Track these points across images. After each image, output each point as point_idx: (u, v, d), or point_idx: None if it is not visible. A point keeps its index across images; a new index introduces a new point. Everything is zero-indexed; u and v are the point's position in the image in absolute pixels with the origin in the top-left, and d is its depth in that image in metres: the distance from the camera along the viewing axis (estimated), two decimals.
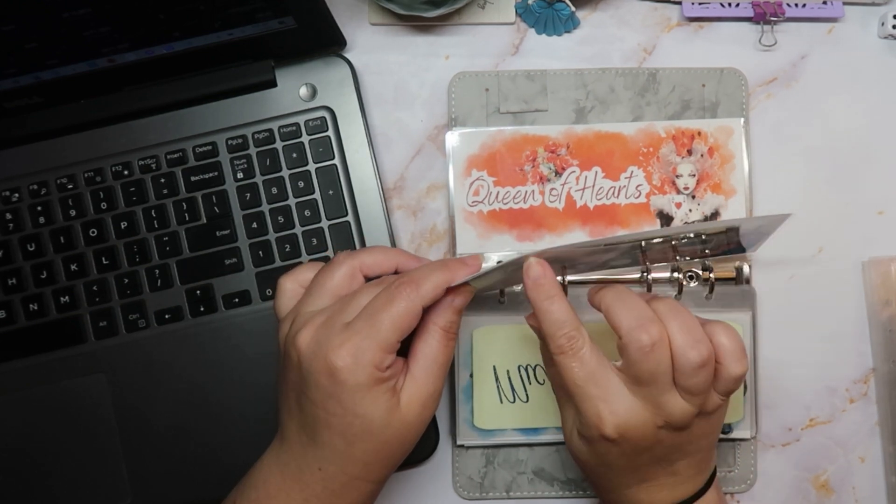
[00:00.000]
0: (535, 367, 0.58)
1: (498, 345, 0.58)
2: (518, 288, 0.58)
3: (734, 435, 0.58)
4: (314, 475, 0.46)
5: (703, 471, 0.50)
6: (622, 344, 0.45)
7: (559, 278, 0.56)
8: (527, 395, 0.58)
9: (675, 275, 0.56)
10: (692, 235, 0.48)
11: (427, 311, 0.45)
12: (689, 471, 0.49)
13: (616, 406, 0.45)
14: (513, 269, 0.48)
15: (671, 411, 0.45)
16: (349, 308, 0.45)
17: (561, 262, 0.50)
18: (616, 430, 0.45)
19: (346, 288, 0.47)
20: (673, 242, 0.51)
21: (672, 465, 0.48)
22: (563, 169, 0.60)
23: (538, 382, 0.58)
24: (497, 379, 0.58)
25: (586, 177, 0.60)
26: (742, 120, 0.60)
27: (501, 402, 0.58)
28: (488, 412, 0.58)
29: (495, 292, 0.58)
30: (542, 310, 0.46)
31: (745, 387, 0.58)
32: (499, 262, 0.53)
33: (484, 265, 0.47)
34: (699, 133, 0.60)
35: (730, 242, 0.53)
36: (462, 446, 0.59)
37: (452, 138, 0.60)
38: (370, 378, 0.44)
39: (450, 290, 0.46)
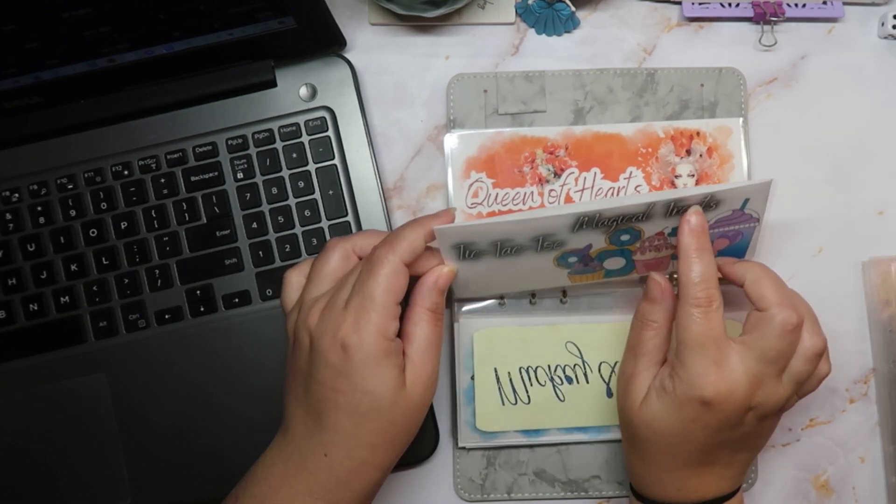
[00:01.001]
0: (536, 368, 0.58)
1: (499, 347, 0.58)
2: (517, 293, 0.58)
3: None
4: (319, 462, 0.46)
5: (745, 472, 0.52)
6: (765, 316, 0.47)
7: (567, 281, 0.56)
8: (528, 397, 0.58)
9: (675, 274, 0.56)
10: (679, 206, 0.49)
11: (412, 296, 0.48)
12: (740, 467, 0.50)
13: (726, 372, 0.46)
14: (494, 231, 0.48)
15: (769, 395, 0.47)
16: (346, 286, 0.47)
17: (544, 236, 0.50)
18: (717, 396, 0.46)
19: (343, 270, 0.49)
20: (666, 235, 0.51)
21: (734, 456, 0.50)
22: (562, 170, 0.60)
23: (539, 384, 0.58)
24: (498, 381, 0.58)
25: (585, 178, 0.59)
26: (741, 120, 0.60)
27: (503, 403, 0.58)
28: (490, 414, 0.58)
29: (496, 295, 0.58)
30: (693, 259, 0.48)
31: None
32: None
33: (474, 221, 0.48)
34: (698, 133, 0.60)
35: (726, 234, 0.53)
36: (464, 448, 0.59)
37: (451, 140, 0.60)
38: (378, 349, 0.45)
39: (432, 273, 0.48)
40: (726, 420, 0.47)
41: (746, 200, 0.50)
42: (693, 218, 0.48)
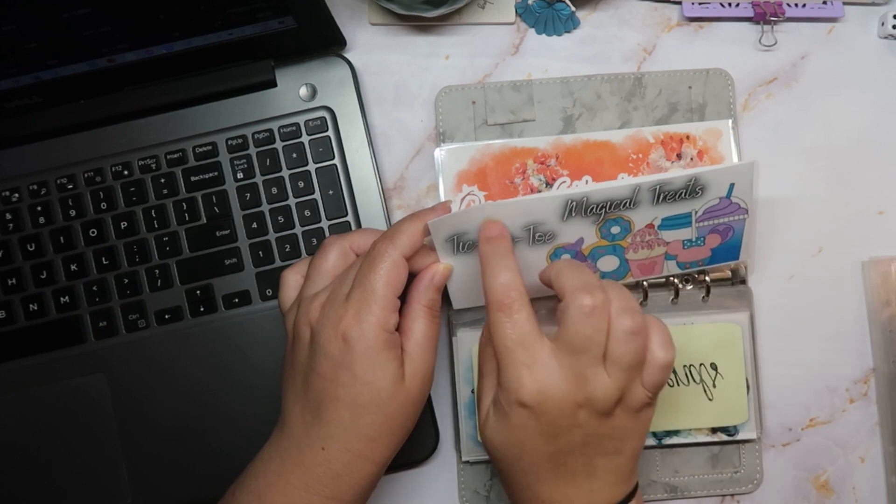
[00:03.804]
0: None
1: None
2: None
3: (740, 436, 0.58)
4: (316, 456, 0.46)
5: (622, 481, 0.48)
6: (563, 306, 0.45)
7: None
8: None
9: (672, 279, 0.56)
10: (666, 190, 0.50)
11: (409, 293, 0.48)
12: (607, 476, 0.47)
13: (539, 374, 0.44)
14: (485, 216, 0.49)
15: (594, 388, 0.44)
16: (346, 281, 0.47)
17: (535, 224, 0.50)
18: (534, 397, 0.44)
19: (341, 267, 0.49)
20: (656, 228, 0.51)
21: (591, 461, 0.46)
22: (554, 179, 0.60)
23: None
24: None
25: (577, 186, 0.59)
26: (730, 121, 0.60)
27: None
28: None
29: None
30: (492, 265, 0.46)
31: (749, 387, 0.58)
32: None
33: (464, 209, 0.48)
34: (688, 137, 0.60)
35: (717, 228, 0.53)
36: (467, 462, 0.59)
37: (440, 155, 0.60)
38: (378, 340, 0.45)
39: (428, 270, 0.49)
40: (555, 422, 0.45)
41: (732, 186, 0.51)
42: (489, 227, 0.47)
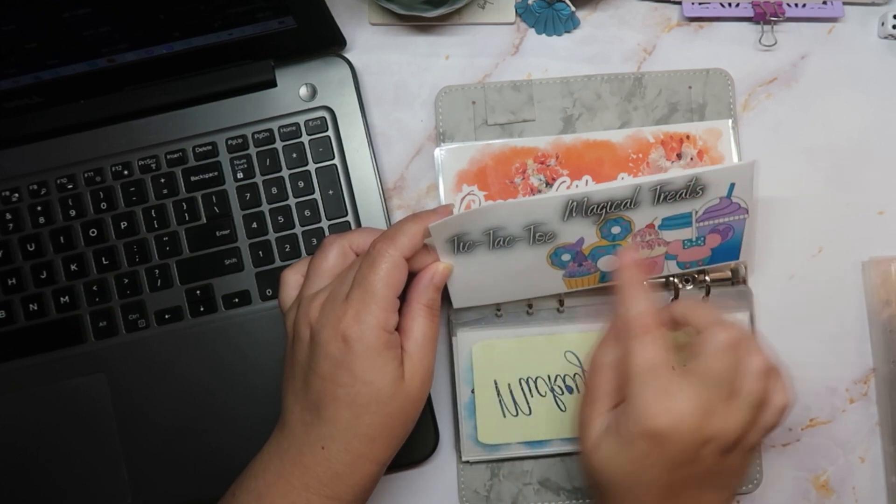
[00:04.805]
0: (536, 379, 0.58)
1: (498, 359, 0.58)
2: (514, 303, 0.58)
3: None
4: (316, 456, 0.46)
5: None
6: (699, 340, 0.46)
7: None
8: (529, 408, 0.58)
9: (672, 279, 0.56)
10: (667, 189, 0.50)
11: (409, 293, 0.48)
12: None
13: (672, 403, 0.45)
14: (486, 218, 0.49)
15: (723, 422, 0.45)
16: (346, 281, 0.47)
17: (535, 225, 0.50)
18: (664, 428, 0.45)
19: (341, 267, 0.49)
20: (657, 228, 0.51)
21: (700, 496, 0.47)
22: (554, 179, 0.60)
23: (539, 395, 0.58)
24: (499, 393, 0.58)
25: (577, 186, 0.59)
26: (730, 121, 0.60)
27: (504, 416, 0.58)
28: (492, 427, 0.58)
29: (492, 306, 0.58)
30: (633, 292, 0.48)
31: None
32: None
33: (465, 211, 0.49)
34: (688, 137, 0.60)
35: (717, 228, 0.53)
36: (467, 462, 0.59)
37: (440, 155, 0.60)
38: (378, 340, 0.45)
39: (428, 270, 0.49)
40: (681, 453, 0.45)
41: (732, 186, 0.51)
42: (624, 254, 0.50)
